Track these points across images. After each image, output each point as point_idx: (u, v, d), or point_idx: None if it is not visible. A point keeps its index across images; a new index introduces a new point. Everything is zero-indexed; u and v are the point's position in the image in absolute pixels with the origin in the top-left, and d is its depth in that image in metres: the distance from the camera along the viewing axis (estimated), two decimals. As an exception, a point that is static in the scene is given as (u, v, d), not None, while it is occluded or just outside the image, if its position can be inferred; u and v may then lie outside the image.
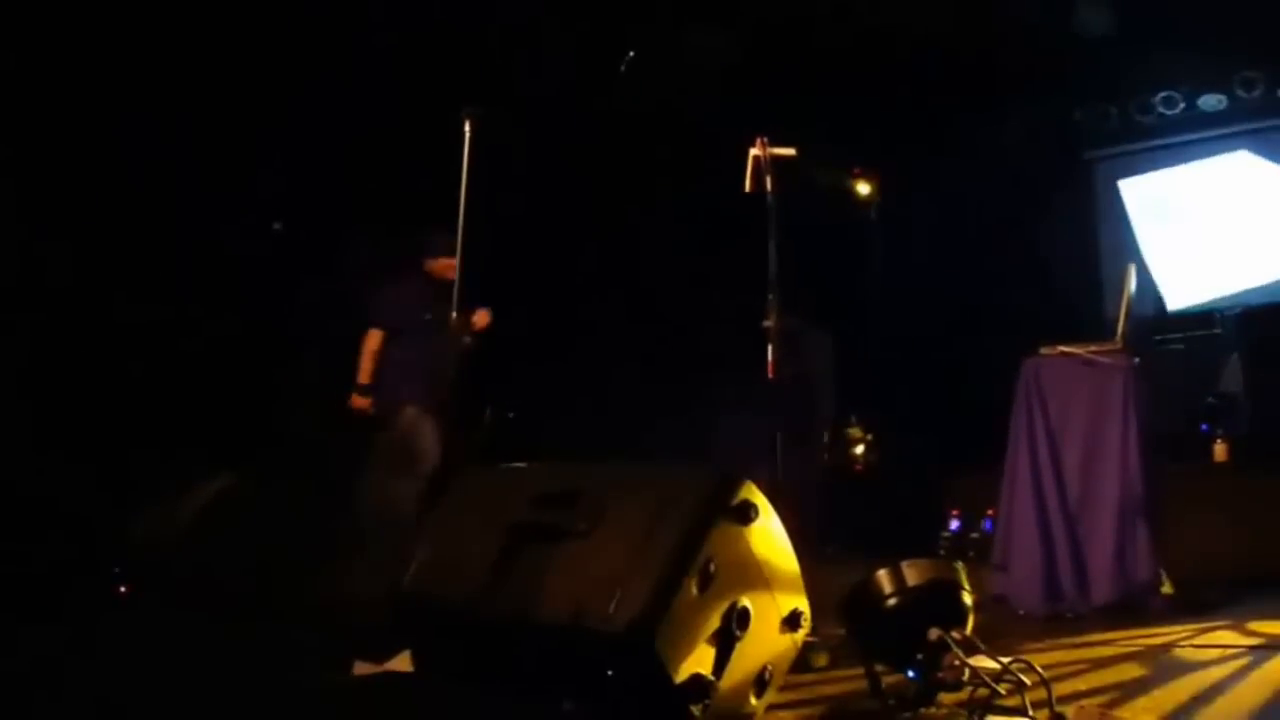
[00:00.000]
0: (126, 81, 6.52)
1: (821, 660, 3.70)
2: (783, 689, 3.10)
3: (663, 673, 2.66)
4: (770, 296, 4.39)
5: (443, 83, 6.68)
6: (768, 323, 4.35)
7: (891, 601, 3.15)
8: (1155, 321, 8.63)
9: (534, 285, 7.89)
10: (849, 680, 3.48)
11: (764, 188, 4.44)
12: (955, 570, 3.25)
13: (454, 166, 5.31)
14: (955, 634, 3.04)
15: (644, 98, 7.62)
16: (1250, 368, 7.85)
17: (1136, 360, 5.09)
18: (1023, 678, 2.90)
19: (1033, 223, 8.56)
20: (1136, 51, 8.72)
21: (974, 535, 6.62)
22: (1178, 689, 3.35)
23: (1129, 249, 9.26)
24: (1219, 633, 4.26)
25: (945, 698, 3.03)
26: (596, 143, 7.73)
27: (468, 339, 6.11)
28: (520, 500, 3.16)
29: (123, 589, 4.67)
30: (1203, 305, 8.98)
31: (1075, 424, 5.06)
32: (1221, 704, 3.16)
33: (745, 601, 2.83)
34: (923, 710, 2.94)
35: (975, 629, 3.19)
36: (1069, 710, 2.78)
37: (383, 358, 6.19)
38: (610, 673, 2.76)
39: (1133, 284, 5.45)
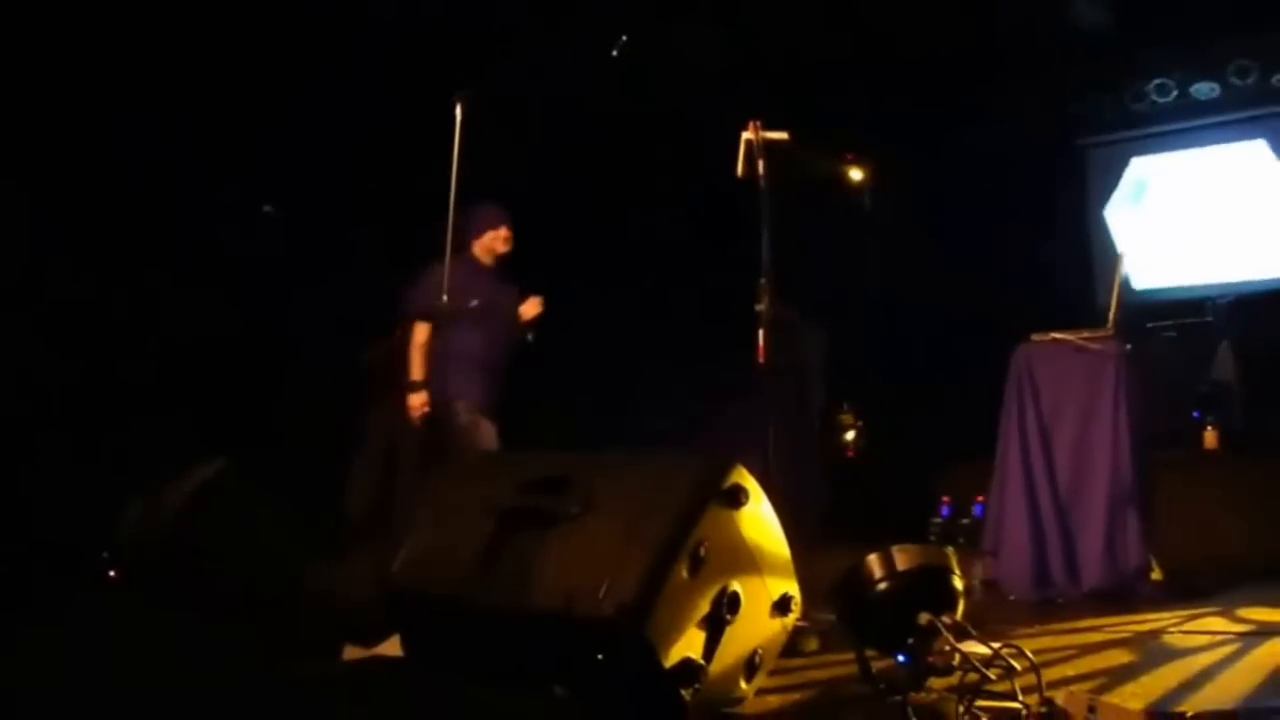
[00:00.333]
0: (114, 69, 6.50)
1: (812, 645, 3.71)
2: (773, 673, 3.10)
3: (653, 657, 2.66)
4: (762, 282, 4.39)
5: (435, 69, 6.66)
6: (759, 308, 4.35)
7: (882, 586, 3.15)
8: (1147, 309, 8.64)
9: (524, 272, 7.88)
10: (839, 665, 3.48)
11: (756, 172, 4.43)
12: (946, 556, 3.26)
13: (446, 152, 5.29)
14: (945, 619, 3.04)
15: (636, 82, 7.60)
16: (1241, 356, 7.86)
17: (1128, 347, 5.09)
18: (1013, 663, 2.90)
19: (1026, 210, 8.55)
20: (1131, 39, 8.71)
21: (964, 521, 6.62)
22: (1167, 674, 3.36)
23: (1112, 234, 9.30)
24: (1208, 619, 4.27)
25: (935, 682, 3.03)
26: (589, 129, 7.70)
27: (525, 333, 5.82)
28: (510, 486, 3.16)
29: (112, 574, 4.65)
30: (1195, 292, 8.99)
31: (1066, 410, 5.07)
32: (1210, 689, 3.16)
33: (736, 586, 2.83)
34: (913, 695, 2.94)
35: (965, 614, 3.19)
36: (1058, 695, 2.78)
37: (430, 351, 5.71)
38: (600, 658, 2.76)
39: (1125, 271, 5.46)
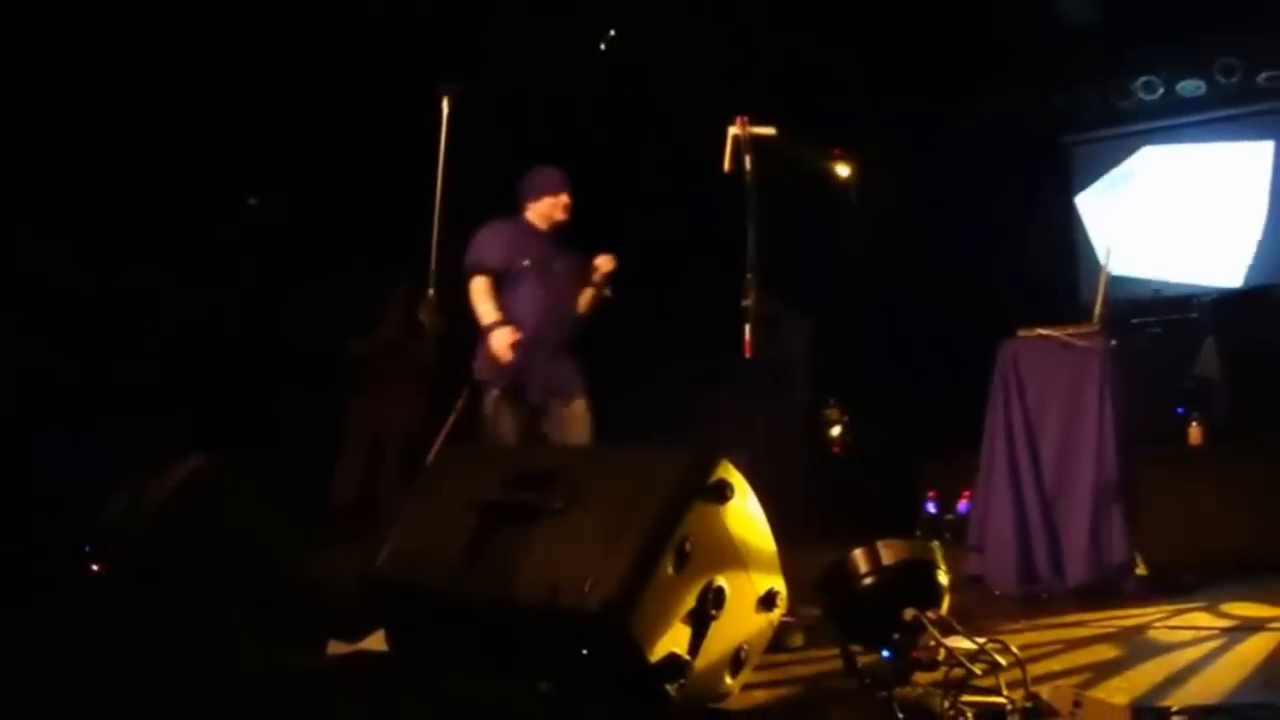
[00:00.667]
0: (105, 63, 6.47)
1: (797, 640, 3.70)
2: (758, 669, 3.10)
3: (638, 652, 2.65)
4: (748, 276, 4.38)
5: (423, 64, 6.64)
6: (746, 302, 4.34)
7: (867, 581, 3.15)
8: (1132, 305, 8.66)
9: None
10: (824, 660, 3.48)
11: (743, 167, 4.43)
12: (931, 550, 3.26)
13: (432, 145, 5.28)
14: (931, 614, 3.04)
15: (622, 77, 7.59)
16: (1226, 352, 7.89)
17: (1113, 343, 5.10)
18: (998, 658, 2.90)
19: (1011, 206, 8.56)
20: (1117, 37, 8.73)
21: (950, 516, 6.64)
22: (1152, 669, 3.37)
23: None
24: (1193, 614, 4.29)
25: (920, 677, 3.03)
26: (574, 123, 7.69)
27: (603, 289, 5.30)
28: (496, 481, 3.14)
29: (95, 568, 4.63)
30: (1179, 289, 9.02)
31: (1052, 406, 5.07)
32: (1195, 684, 3.17)
33: (721, 581, 2.83)
34: (898, 690, 2.93)
35: (951, 609, 3.19)
36: (1044, 690, 2.78)
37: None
38: (585, 652, 2.75)
39: (1110, 267, 5.47)
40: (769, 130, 4.45)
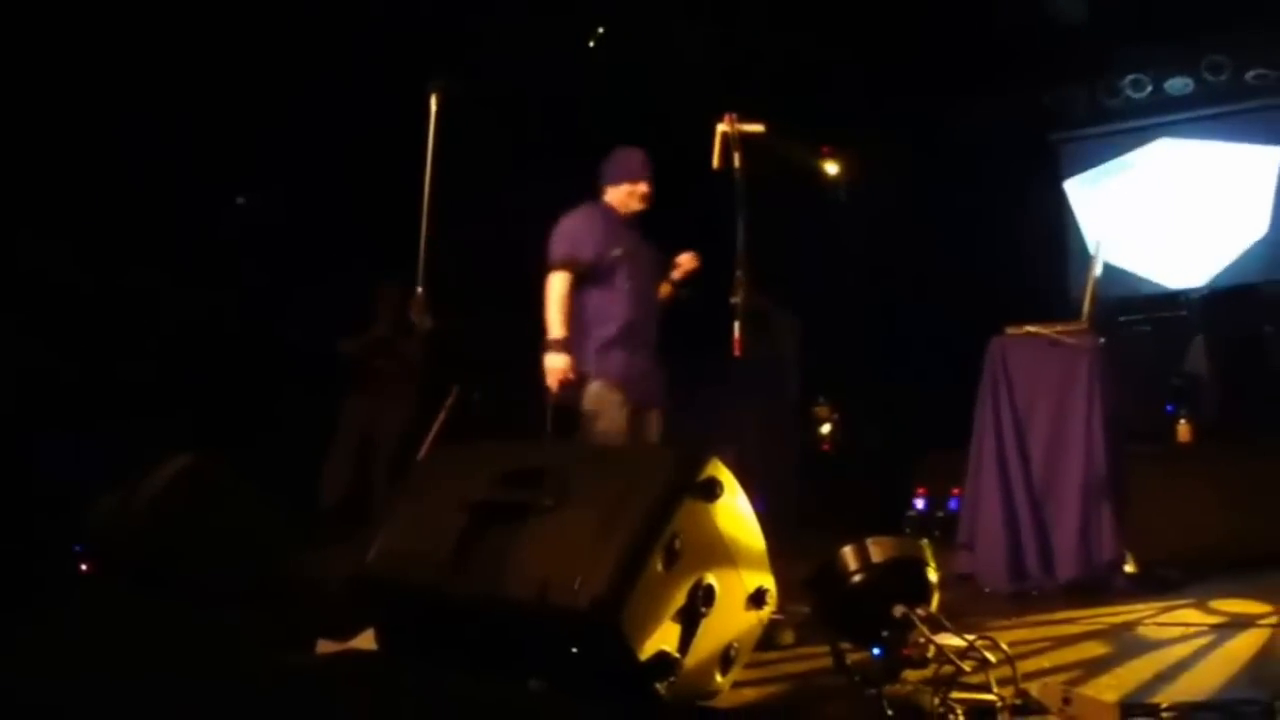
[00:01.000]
0: (102, 62, 6.45)
1: (787, 638, 3.70)
2: (748, 666, 3.09)
3: (628, 650, 2.64)
4: (737, 274, 4.37)
5: (415, 59, 6.63)
6: (735, 300, 4.34)
7: (857, 579, 3.15)
8: (1121, 302, 8.68)
9: (502, 264, 7.85)
10: (814, 658, 3.48)
11: (732, 164, 4.42)
12: (920, 548, 3.25)
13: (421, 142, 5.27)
14: (920, 611, 3.04)
15: (612, 73, 7.59)
16: (1214, 349, 7.91)
17: (1101, 341, 5.11)
18: (987, 655, 2.90)
19: (1000, 204, 8.58)
20: (1106, 35, 8.75)
21: (940, 514, 6.65)
22: (1141, 666, 3.37)
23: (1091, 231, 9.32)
24: (1182, 611, 4.30)
25: (910, 675, 3.03)
26: (565, 119, 7.68)
27: (682, 290, 5.06)
28: (485, 478, 3.13)
29: (84, 567, 4.62)
30: (1167, 288, 9.04)
31: (1041, 404, 5.08)
32: (1184, 681, 3.18)
33: (711, 579, 2.82)
34: (888, 687, 2.93)
35: (940, 606, 3.19)
36: (1033, 687, 2.78)
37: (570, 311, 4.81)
38: (575, 650, 2.74)
39: (1099, 265, 5.48)
40: (757, 127, 4.44)
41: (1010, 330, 5.25)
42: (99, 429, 6.07)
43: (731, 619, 2.92)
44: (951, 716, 2.67)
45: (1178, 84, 9.24)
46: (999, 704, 2.73)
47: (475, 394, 6.98)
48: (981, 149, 8.69)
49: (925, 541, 3.31)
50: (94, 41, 6.40)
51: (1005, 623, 4.09)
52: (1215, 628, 3.96)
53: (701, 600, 2.79)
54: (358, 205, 7.32)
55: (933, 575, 3.21)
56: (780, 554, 3.16)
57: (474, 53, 6.85)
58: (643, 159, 5.02)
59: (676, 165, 4.93)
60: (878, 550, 3.18)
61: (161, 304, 6.97)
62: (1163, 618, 4.20)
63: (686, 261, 5.05)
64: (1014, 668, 2.87)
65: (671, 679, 2.71)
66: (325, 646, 3.48)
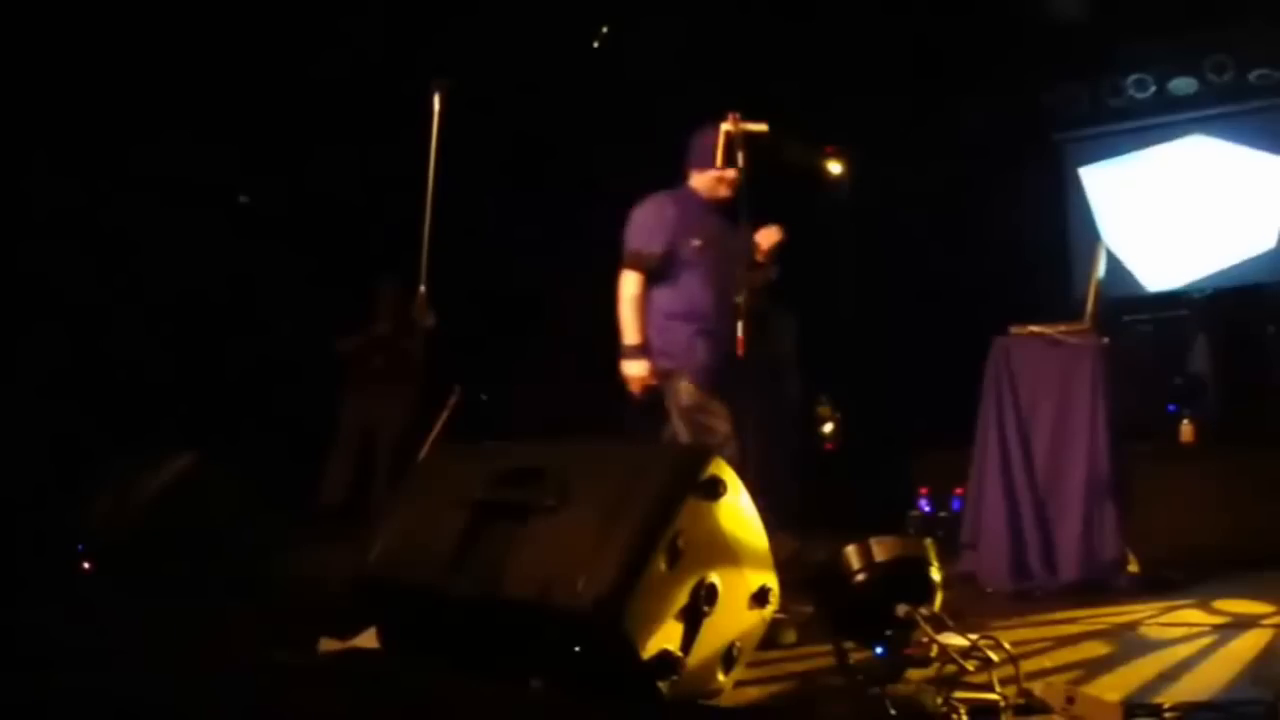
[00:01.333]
0: (98, 62, 6.46)
1: (790, 637, 3.69)
2: (750, 665, 3.09)
3: (630, 649, 2.64)
4: (740, 273, 4.37)
5: (413, 56, 6.63)
6: (738, 299, 4.33)
7: (860, 578, 3.14)
8: (1124, 302, 8.67)
9: (503, 263, 7.86)
10: (817, 657, 3.47)
11: (735, 164, 4.42)
12: (923, 547, 3.25)
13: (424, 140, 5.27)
14: (923, 611, 3.03)
15: (615, 72, 7.58)
16: (1217, 349, 7.91)
17: (1104, 341, 5.10)
18: (990, 655, 2.90)
19: (1002, 203, 8.56)
20: (1109, 34, 8.74)
21: (942, 514, 6.63)
22: (1143, 666, 3.36)
23: (1097, 230, 9.30)
24: (1184, 611, 4.29)
25: (913, 674, 3.02)
26: (567, 117, 7.68)
27: (768, 270, 4.77)
28: (487, 478, 3.13)
29: (86, 565, 4.62)
30: (1171, 288, 9.03)
31: (1044, 404, 5.07)
32: (1186, 681, 3.17)
33: (713, 578, 2.82)
34: (890, 686, 2.93)
35: (943, 606, 3.18)
36: (1036, 687, 2.78)
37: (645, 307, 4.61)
38: (577, 650, 2.74)
39: (1102, 265, 5.47)
40: (761, 126, 4.44)
41: (1014, 330, 5.25)
42: (97, 428, 6.07)
43: (734, 618, 2.92)
44: (955, 716, 2.67)
45: (1181, 84, 9.22)
46: (1002, 703, 2.73)
47: (481, 396, 6.98)
48: (984, 149, 8.68)
49: (928, 541, 3.31)
50: (93, 41, 6.40)
51: (1008, 622, 4.07)
52: (1218, 628, 3.95)
53: (704, 599, 2.79)
54: (351, 202, 7.33)
55: (936, 575, 3.20)
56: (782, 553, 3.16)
57: (474, 51, 6.85)
58: (727, 140, 4.67)
59: (678, 165, 4.92)
60: (881, 550, 3.17)
61: (160, 302, 6.97)
62: (1165, 618, 4.19)
63: (768, 239, 4.76)
64: (1017, 667, 2.87)
65: (674, 678, 2.70)
66: (327, 645, 3.47)
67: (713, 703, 2.91)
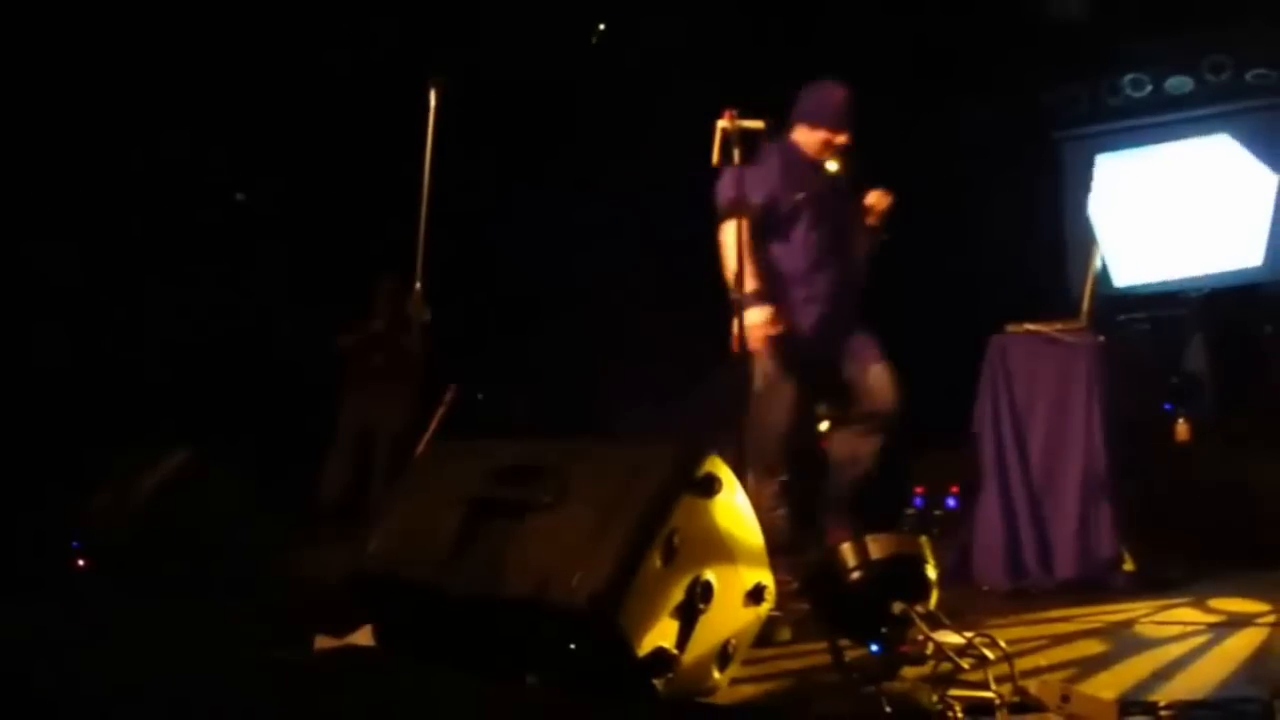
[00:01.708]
0: (95, 61, 6.45)
1: (785, 634, 3.69)
2: (746, 663, 3.09)
3: (625, 647, 2.64)
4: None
5: (408, 52, 6.62)
6: (734, 297, 4.32)
7: (855, 576, 3.14)
8: (1121, 301, 8.67)
9: (498, 260, 7.85)
10: (812, 654, 3.47)
11: (731, 161, 4.41)
12: (919, 545, 3.25)
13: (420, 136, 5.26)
14: (919, 608, 3.04)
15: (612, 68, 7.58)
16: (1214, 348, 7.91)
17: (1101, 339, 5.11)
18: (986, 652, 2.90)
19: (1001, 203, 8.56)
20: (1106, 33, 8.74)
21: (938, 512, 6.64)
22: (1139, 665, 3.36)
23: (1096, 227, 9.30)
24: (1180, 610, 4.28)
25: (908, 672, 3.03)
26: (564, 115, 7.68)
27: (879, 233, 4.57)
28: (483, 474, 3.13)
29: (81, 563, 4.62)
30: (1168, 286, 9.03)
31: (1040, 402, 5.08)
32: (1181, 679, 3.17)
33: (709, 575, 2.82)
34: (886, 684, 2.93)
35: (939, 604, 3.18)
36: (1031, 685, 2.78)
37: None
38: (573, 647, 2.74)
39: (1098, 264, 5.47)
40: (757, 123, 4.43)
41: (1010, 328, 5.25)
42: (94, 426, 6.07)
43: (730, 615, 2.92)
44: (950, 714, 2.67)
45: (1178, 83, 9.23)
46: (997, 701, 2.73)
47: (478, 394, 6.98)
48: (980, 147, 8.67)
49: (924, 539, 3.31)
50: (93, 40, 6.40)
51: (1003, 620, 4.08)
52: (1213, 626, 3.95)
53: (700, 597, 2.79)
54: (348, 198, 7.32)
55: (931, 572, 3.21)
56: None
57: (473, 46, 6.85)
58: (848, 103, 4.55)
59: (676, 162, 4.92)
60: (876, 547, 3.18)
61: (158, 299, 6.97)
62: (1161, 616, 4.19)
63: (879, 201, 4.60)
64: (1012, 665, 2.87)
65: (669, 675, 2.70)
66: (322, 642, 3.47)
67: (708, 700, 2.91)
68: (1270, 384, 7.49)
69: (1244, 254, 8.87)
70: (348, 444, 7.13)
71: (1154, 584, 4.76)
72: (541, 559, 2.79)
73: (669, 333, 7.47)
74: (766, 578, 3.02)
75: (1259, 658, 3.43)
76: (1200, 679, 3.17)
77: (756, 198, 4.29)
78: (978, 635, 2.97)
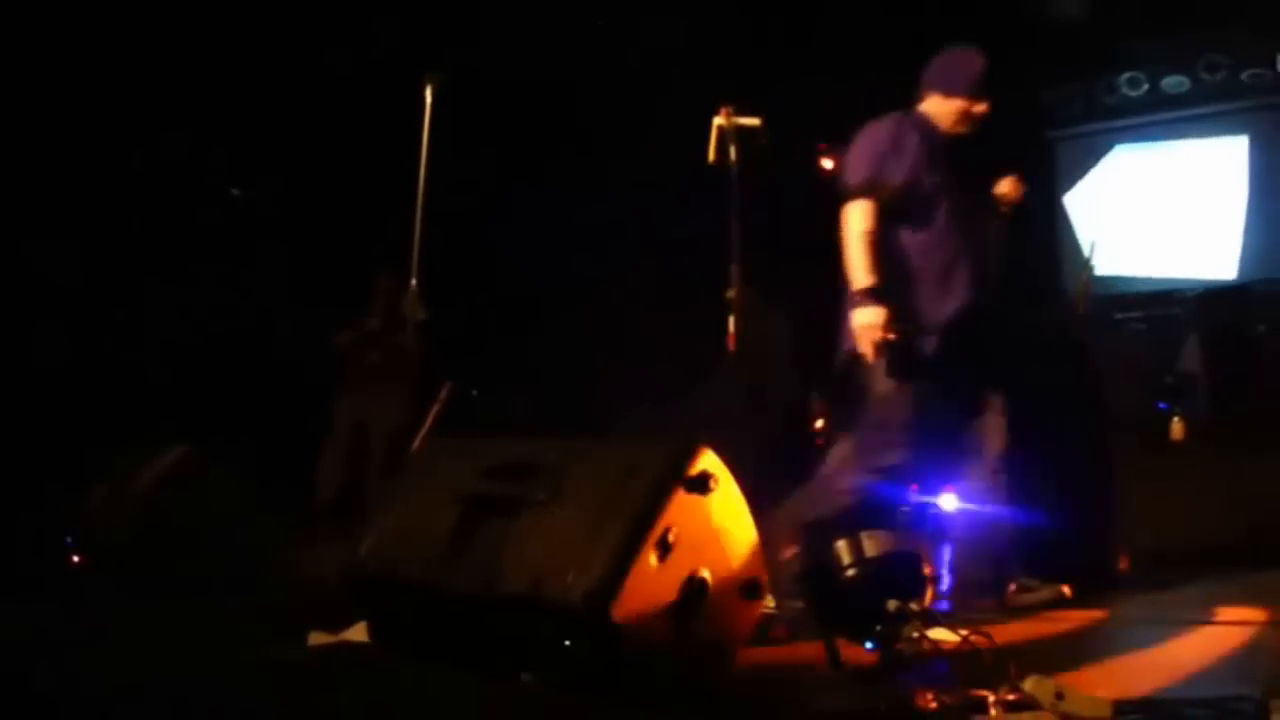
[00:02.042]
0: (92, 60, 6.45)
1: (780, 631, 3.70)
2: (741, 661, 3.09)
3: (620, 643, 2.64)
4: (732, 268, 4.36)
5: (408, 52, 6.62)
6: (730, 294, 4.33)
7: (850, 573, 3.15)
8: (1116, 300, 8.68)
9: (495, 259, 7.85)
10: (807, 652, 3.47)
11: (727, 158, 4.42)
12: (914, 542, 3.25)
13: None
14: (914, 606, 3.04)
15: (612, 68, 7.58)
16: (1209, 348, 7.91)
17: (1097, 339, 5.11)
18: (980, 650, 2.90)
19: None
20: (1102, 33, 8.75)
21: (933, 510, 6.63)
22: (1133, 662, 3.38)
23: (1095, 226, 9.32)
24: (1173, 608, 4.29)
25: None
26: (564, 114, 7.68)
27: (1004, 210, 4.20)
28: (478, 472, 3.14)
29: (75, 559, 4.62)
30: (1162, 285, 9.04)
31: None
32: (1176, 677, 3.18)
33: (704, 572, 2.82)
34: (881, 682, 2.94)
35: (933, 601, 3.19)
36: (1026, 683, 2.78)
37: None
38: (568, 644, 2.74)
39: (1094, 264, 5.48)
40: (754, 121, 4.44)
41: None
42: (94, 425, 6.07)
43: (724, 612, 2.92)
44: (945, 711, 2.67)
45: (1174, 82, 9.24)
46: (992, 699, 2.73)
47: (473, 391, 6.98)
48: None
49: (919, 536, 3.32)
50: (92, 40, 6.40)
51: (998, 618, 4.08)
52: (1207, 624, 3.96)
53: (695, 593, 2.79)
54: (345, 196, 7.32)
55: (926, 570, 3.21)
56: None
57: (473, 46, 6.85)
58: (982, 66, 4.21)
59: (672, 159, 4.92)
60: (872, 545, 3.18)
61: (158, 299, 6.97)
62: (1154, 614, 4.20)
63: (1012, 190, 4.32)
64: (1007, 663, 2.87)
65: (664, 671, 2.70)
66: (317, 639, 3.48)
67: (703, 696, 2.91)
68: (1265, 383, 7.50)
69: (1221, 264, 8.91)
70: (344, 443, 7.12)
71: (1148, 583, 4.77)
72: (537, 556, 2.79)
73: (669, 333, 7.48)
74: (761, 575, 3.02)
75: (1253, 656, 3.44)
76: (1194, 676, 3.17)
77: (895, 178, 3.93)
78: (973, 633, 2.97)
